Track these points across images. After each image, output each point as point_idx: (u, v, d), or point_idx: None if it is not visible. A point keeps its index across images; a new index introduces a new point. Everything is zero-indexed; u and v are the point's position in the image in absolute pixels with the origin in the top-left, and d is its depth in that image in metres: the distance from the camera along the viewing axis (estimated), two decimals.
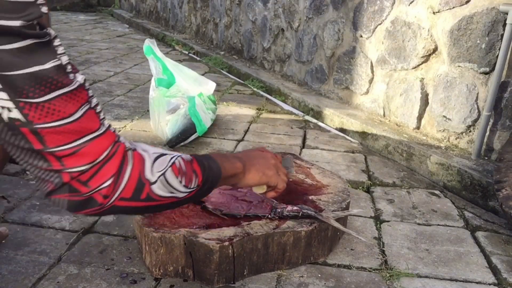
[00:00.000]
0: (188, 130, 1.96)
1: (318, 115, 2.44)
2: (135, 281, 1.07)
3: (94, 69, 3.33)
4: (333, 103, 2.51)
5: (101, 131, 0.71)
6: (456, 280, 1.16)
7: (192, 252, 1.05)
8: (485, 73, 1.71)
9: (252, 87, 3.03)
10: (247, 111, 2.55)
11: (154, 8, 5.72)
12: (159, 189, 0.78)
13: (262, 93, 2.93)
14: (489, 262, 1.25)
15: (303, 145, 2.09)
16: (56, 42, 0.68)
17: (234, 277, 1.09)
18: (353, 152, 2.03)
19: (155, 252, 1.08)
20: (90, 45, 4.30)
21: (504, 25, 1.61)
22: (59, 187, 0.69)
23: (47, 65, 0.65)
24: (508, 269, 1.22)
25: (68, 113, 0.67)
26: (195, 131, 2.00)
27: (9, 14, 0.61)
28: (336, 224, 1.17)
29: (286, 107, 2.68)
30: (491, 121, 1.71)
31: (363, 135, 2.13)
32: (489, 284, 1.16)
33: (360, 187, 1.67)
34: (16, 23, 0.62)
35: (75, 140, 0.68)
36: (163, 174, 0.78)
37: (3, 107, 0.64)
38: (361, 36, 2.32)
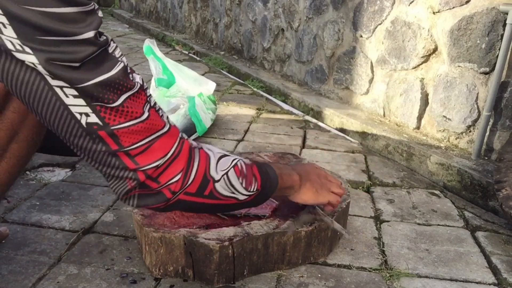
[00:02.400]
0: (188, 130, 1.96)
1: (318, 115, 2.45)
2: (135, 281, 1.07)
3: None
4: (333, 103, 2.51)
5: (167, 128, 0.75)
6: (456, 280, 1.16)
7: (192, 252, 1.05)
8: (485, 73, 1.71)
9: (252, 87, 3.03)
10: (247, 111, 2.55)
11: (154, 8, 5.72)
12: (221, 188, 0.81)
13: (262, 93, 2.93)
14: (489, 262, 1.25)
15: (303, 145, 2.09)
16: (113, 45, 0.71)
17: (234, 277, 1.09)
18: (353, 152, 2.03)
19: (155, 252, 1.08)
20: None
21: (504, 25, 1.61)
22: (136, 185, 0.73)
23: (114, 70, 0.68)
24: (508, 269, 1.22)
25: (139, 113, 0.70)
26: (195, 131, 2.00)
27: (82, 25, 0.63)
28: (326, 219, 1.17)
29: (286, 107, 2.68)
30: (491, 121, 1.71)
31: (363, 135, 2.13)
32: (489, 284, 1.16)
33: (360, 187, 1.67)
34: (91, 34, 0.64)
35: (146, 137, 0.71)
36: (226, 173, 0.81)
37: (81, 114, 0.66)
38: (361, 36, 2.32)
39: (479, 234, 1.40)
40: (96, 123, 0.67)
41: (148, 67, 2.23)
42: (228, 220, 1.15)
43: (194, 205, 0.81)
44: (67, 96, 0.65)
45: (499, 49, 1.63)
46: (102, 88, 0.66)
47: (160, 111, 0.77)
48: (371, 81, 2.29)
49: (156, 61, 2.04)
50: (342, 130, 2.27)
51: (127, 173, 0.72)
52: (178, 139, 0.77)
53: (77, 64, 0.64)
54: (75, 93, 0.65)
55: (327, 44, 2.58)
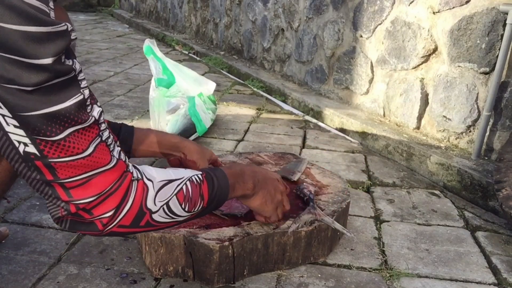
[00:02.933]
0: (188, 130, 1.96)
1: (318, 115, 2.44)
2: (135, 281, 1.07)
3: (94, 69, 3.33)
4: (333, 103, 2.51)
5: (112, 165, 0.72)
6: (456, 280, 1.16)
7: (192, 252, 1.05)
8: (485, 73, 1.71)
9: (252, 87, 3.03)
10: (247, 111, 2.55)
11: (154, 8, 5.72)
12: (159, 217, 0.80)
13: (262, 93, 2.93)
14: (489, 262, 1.25)
15: (303, 145, 2.09)
16: (81, 76, 0.68)
17: (234, 277, 1.09)
18: (353, 152, 2.03)
19: (155, 252, 1.08)
20: (90, 45, 4.30)
21: (504, 25, 1.61)
22: (68, 214, 0.72)
23: (68, 103, 0.65)
24: (508, 269, 1.22)
25: (81, 148, 0.68)
26: (195, 131, 2.00)
27: (43, 48, 0.60)
28: (328, 218, 1.17)
29: (286, 107, 2.68)
30: (491, 121, 1.71)
31: (363, 135, 2.13)
32: (489, 284, 1.16)
33: (360, 187, 1.67)
34: (48, 60, 0.61)
35: (85, 173, 0.69)
36: (166, 203, 0.80)
37: (19, 142, 0.65)
38: (361, 36, 2.32)
39: (479, 234, 1.40)
40: (34, 154, 0.65)
41: (148, 67, 2.23)
42: (228, 220, 1.15)
43: (131, 233, 0.81)
44: (7, 124, 0.63)
45: (499, 49, 1.63)
46: (48, 120, 0.63)
47: (112, 146, 0.74)
48: (371, 81, 2.29)
49: (156, 61, 2.04)
50: (342, 130, 2.27)
51: (59, 202, 0.70)
52: (121, 175, 0.74)
53: (28, 89, 0.60)
54: (16, 123, 0.63)
55: (327, 44, 2.58)
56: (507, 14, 1.58)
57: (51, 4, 0.64)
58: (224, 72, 3.47)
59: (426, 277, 1.17)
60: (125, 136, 1.11)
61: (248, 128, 2.28)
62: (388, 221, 1.44)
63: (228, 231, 1.09)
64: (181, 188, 0.82)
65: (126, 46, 4.39)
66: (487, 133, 1.72)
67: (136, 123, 2.22)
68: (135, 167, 0.79)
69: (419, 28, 1.97)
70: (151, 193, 0.77)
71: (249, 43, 3.49)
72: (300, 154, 1.98)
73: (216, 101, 2.32)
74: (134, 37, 5.01)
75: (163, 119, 1.94)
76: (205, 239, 1.04)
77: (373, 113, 2.29)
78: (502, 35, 1.63)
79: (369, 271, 1.17)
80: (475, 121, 1.78)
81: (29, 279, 1.05)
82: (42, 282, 1.05)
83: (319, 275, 1.14)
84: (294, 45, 2.91)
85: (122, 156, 0.76)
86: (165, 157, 1.20)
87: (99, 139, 0.71)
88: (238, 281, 1.10)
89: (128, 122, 2.21)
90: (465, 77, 1.79)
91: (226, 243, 1.04)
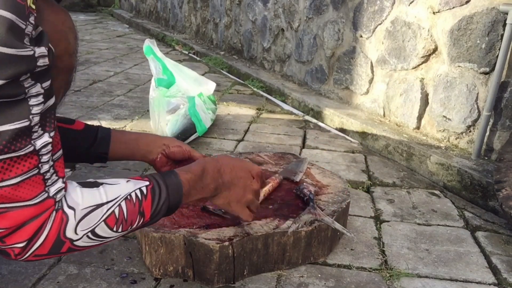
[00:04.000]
0: (188, 130, 1.96)
1: (318, 115, 2.45)
2: (135, 281, 1.07)
3: (94, 69, 3.33)
4: (333, 103, 2.51)
5: (35, 201, 0.67)
6: (456, 280, 1.16)
7: (192, 252, 1.05)
8: (485, 73, 1.71)
9: (252, 87, 3.03)
10: (247, 111, 2.55)
11: (154, 8, 5.72)
12: (83, 243, 0.74)
13: (262, 93, 2.93)
14: (489, 262, 1.25)
15: (303, 145, 2.09)
16: (35, 101, 0.63)
17: (234, 277, 1.09)
18: (353, 152, 2.03)
19: (155, 252, 1.08)
20: (90, 45, 4.30)
21: (504, 25, 1.61)
22: None
23: (6, 127, 0.60)
24: (508, 269, 1.22)
25: (4, 178, 0.63)
26: (195, 131, 2.00)
27: None
28: (328, 218, 1.17)
29: (286, 107, 2.68)
30: (491, 121, 1.71)
31: (363, 135, 2.13)
32: (489, 284, 1.16)
33: (360, 187, 1.67)
34: None
35: (3, 203, 0.65)
36: (92, 230, 0.74)
37: None
38: (361, 36, 2.32)
39: (479, 234, 1.40)
40: None
41: (148, 67, 2.23)
42: (229, 220, 1.15)
43: (50, 258, 0.76)
44: None
45: (499, 49, 1.63)
46: None
47: (49, 181, 0.68)
48: (371, 81, 2.29)
49: (156, 61, 2.04)
50: (342, 130, 2.27)
51: None
52: (42, 211, 0.68)
53: None
54: None
55: (327, 44, 2.58)
56: (507, 14, 1.58)
57: (31, 19, 0.61)
58: (224, 72, 3.47)
59: (426, 277, 1.17)
60: (102, 139, 1.06)
61: (248, 128, 2.28)
62: (388, 221, 1.44)
63: (228, 231, 1.09)
64: (112, 211, 0.75)
65: (126, 46, 4.39)
66: (487, 133, 1.72)
67: (136, 123, 2.22)
68: (60, 192, 0.72)
69: (419, 28, 1.97)
70: (71, 223, 0.71)
71: (249, 43, 3.49)
72: (300, 154, 1.98)
73: (216, 101, 2.33)
74: (134, 37, 5.01)
75: (163, 119, 1.94)
76: (205, 239, 1.05)
77: (373, 113, 2.29)
78: (502, 35, 1.63)
79: (369, 271, 1.18)
80: (475, 121, 1.78)
81: (29, 279, 1.05)
82: (42, 282, 1.05)
83: (319, 275, 1.14)
84: (294, 45, 2.91)
85: (58, 194, 0.70)
86: (146, 158, 1.11)
87: (35, 171, 0.66)
88: (238, 281, 1.10)
89: (128, 122, 2.21)
90: (465, 77, 1.79)
91: (226, 243, 1.04)
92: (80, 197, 0.73)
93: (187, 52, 4.18)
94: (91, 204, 0.73)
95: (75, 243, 0.73)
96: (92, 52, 3.96)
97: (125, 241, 1.23)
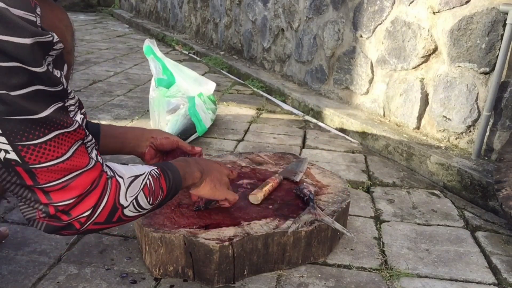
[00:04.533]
0: (188, 130, 1.96)
1: (318, 115, 2.45)
2: (135, 281, 1.07)
3: (94, 69, 3.33)
4: (333, 103, 2.51)
5: (90, 166, 0.75)
6: (456, 280, 1.16)
7: (192, 252, 1.05)
8: (485, 73, 1.71)
9: (252, 87, 3.03)
10: (247, 111, 2.55)
11: (154, 8, 5.72)
12: (129, 211, 0.83)
13: (262, 93, 2.93)
14: (489, 262, 1.25)
15: (303, 145, 2.09)
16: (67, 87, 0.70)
17: (234, 277, 1.09)
18: (353, 152, 2.03)
19: (155, 252, 1.08)
20: (90, 45, 4.30)
21: (504, 25, 1.61)
22: (45, 217, 0.73)
23: (49, 110, 0.67)
24: (508, 269, 1.22)
25: (61, 153, 0.70)
26: (195, 131, 2.00)
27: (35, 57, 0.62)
28: (328, 218, 1.17)
29: (286, 107, 2.68)
30: (491, 121, 1.71)
31: (363, 135, 2.13)
32: (489, 284, 1.16)
33: (360, 187, 1.67)
34: (43, 68, 0.63)
35: (64, 176, 0.71)
36: (136, 197, 0.83)
37: (0, 149, 0.66)
38: (361, 36, 2.32)
39: (479, 234, 1.40)
40: (15, 160, 0.67)
41: (148, 67, 2.23)
42: (228, 220, 1.15)
43: (103, 229, 0.84)
44: None
45: (499, 49, 1.63)
46: (32, 124, 0.65)
47: (90, 148, 0.77)
48: (371, 81, 2.29)
49: (156, 61, 2.04)
50: (342, 130, 2.27)
51: (37, 205, 0.72)
52: (98, 175, 0.77)
53: (14, 94, 0.62)
54: None
55: (327, 44, 2.58)
56: (507, 14, 1.58)
57: (38, 10, 0.65)
58: (224, 72, 3.47)
59: (426, 277, 1.17)
60: (92, 134, 1.09)
61: (248, 128, 2.28)
62: (388, 221, 1.44)
63: (228, 231, 1.09)
64: (146, 182, 0.85)
65: (126, 46, 4.39)
66: (487, 133, 1.72)
67: (136, 123, 2.22)
68: (107, 165, 0.82)
69: (419, 28, 1.97)
70: (123, 189, 0.81)
71: (249, 43, 3.49)
72: (300, 154, 1.98)
73: (216, 101, 2.33)
74: (134, 37, 5.01)
75: (163, 119, 1.94)
76: (205, 239, 1.05)
77: (373, 113, 2.29)
78: (502, 35, 1.63)
79: (369, 271, 1.17)
80: (475, 121, 1.78)
81: (29, 279, 1.05)
82: (42, 282, 1.05)
83: (319, 275, 1.14)
84: (294, 45, 2.91)
85: (99, 158, 0.79)
86: (135, 152, 1.14)
87: (80, 142, 0.73)
88: (238, 281, 1.10)
89: (128, 122, 2.21)
90: (465, 77, 1.79)
91: (226, 243, 1.04)
92: (122, 169, 0.84)
93: (187, 52, 4.18)
94: (131, 174, 0.84)
95: (124, 211, 0.82)
96: (92, 52, 3.96)
97: (125, 241, 1.23)
